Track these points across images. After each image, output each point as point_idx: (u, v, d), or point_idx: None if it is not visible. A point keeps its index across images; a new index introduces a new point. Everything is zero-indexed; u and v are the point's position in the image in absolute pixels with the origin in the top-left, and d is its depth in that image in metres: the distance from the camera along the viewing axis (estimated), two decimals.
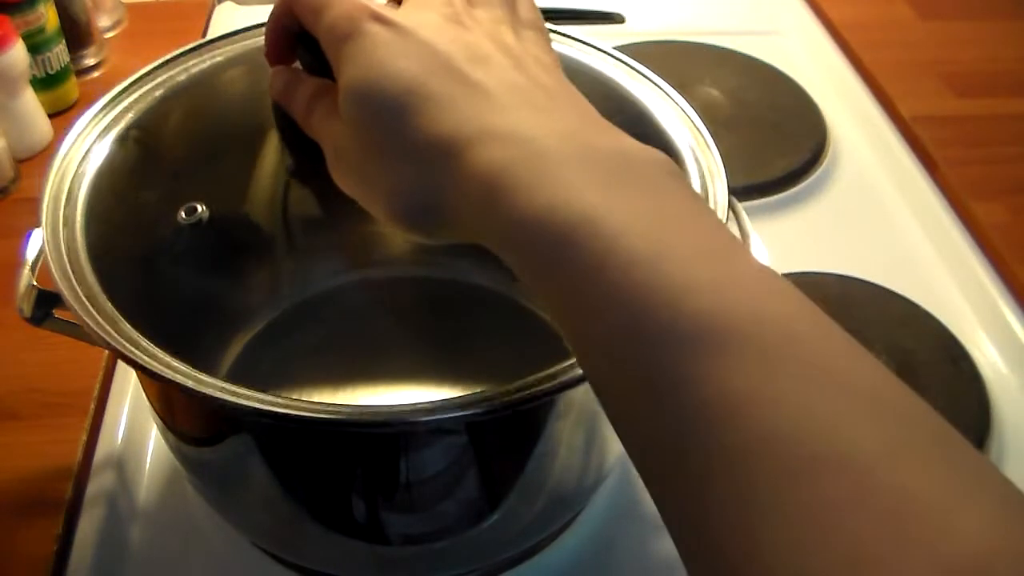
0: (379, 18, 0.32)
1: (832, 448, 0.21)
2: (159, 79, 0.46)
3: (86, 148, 0.42)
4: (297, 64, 0.39)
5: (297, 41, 0.37)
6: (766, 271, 0.26)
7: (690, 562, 0.24)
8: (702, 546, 0.23)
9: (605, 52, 0.49)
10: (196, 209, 0.44)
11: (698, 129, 0.44)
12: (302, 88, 0.36)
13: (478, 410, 0.33)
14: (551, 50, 0.35)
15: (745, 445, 0.22)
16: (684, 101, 0.46)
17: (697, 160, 0.43)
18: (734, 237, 0.27)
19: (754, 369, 0.23)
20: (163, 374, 0.33)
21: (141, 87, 0.45)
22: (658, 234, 0.26)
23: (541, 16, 0.36)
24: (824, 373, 0.23)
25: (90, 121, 0.43)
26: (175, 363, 0.34)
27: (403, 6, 0.34)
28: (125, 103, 0.45)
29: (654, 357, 0.24)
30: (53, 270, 0.36)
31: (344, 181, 0.34)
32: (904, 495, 0.20)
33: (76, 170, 0.41)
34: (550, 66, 0.33)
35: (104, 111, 0.44)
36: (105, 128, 0.44)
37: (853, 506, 0.20)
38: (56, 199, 0.40)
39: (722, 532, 0.22)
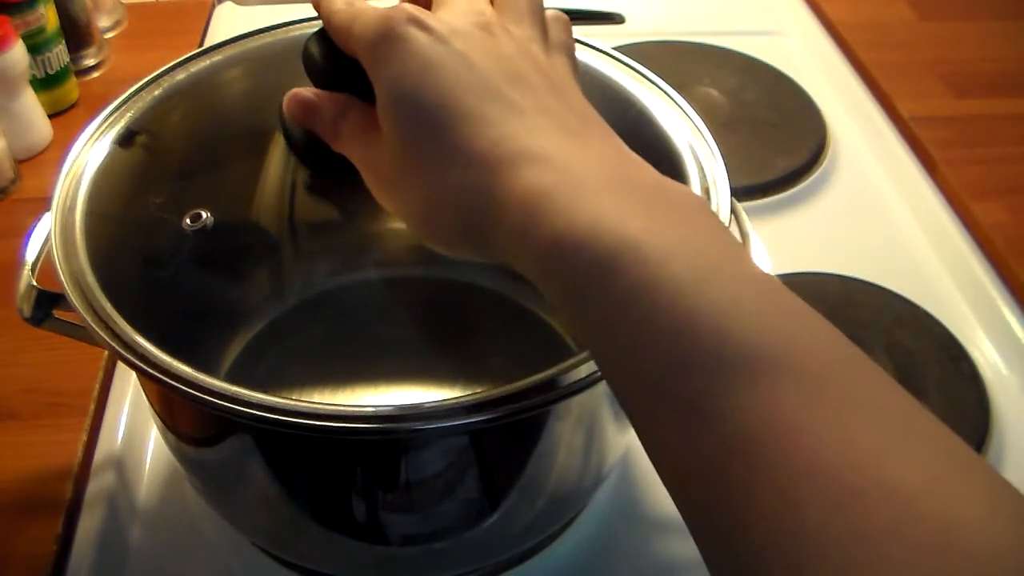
0: (416, 21, 0.31)
1: (877, 478, 0.22)
2: (164, 84, 0.46)
3: (91, 160, 0.42)
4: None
5: (311, 72, 0.37)
6: (801, 303, 0.26)
7: None
8: (742, 572, 0.23)
9: (605, 52, 0.49)
10: (201, 216, 0.44)
11: (699, 130, 0.44)
12: (326, 105, 0.35)
13: (482, 417, 0.33)
14: (577, 74, 0.34)
15: (791, 474, 0.22)
16: (684, 102, 0.46)
17: (698, 161, 0.43)
18: (766, 271, 0.27)
19: (799, 399, 0.23)
20: (164, 380, 0.33)
21: (149, 93, 0.45)
22: (700, 262, 0.26)
23: (573, 40, 0.35)
24: (862, 404, 0.23)
25: (97, 128, 0.43)
26: (175, 364, 0.34)
27: (437, 10, 0.33)
28: (132, 110, 0.45)
29: (699, 383, 0.24)
30: (63, 278, 0.36)
31: (382, 195, 0.33)
32: (948, 524, 0.21)
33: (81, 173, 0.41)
34: (578, 91, 0.33)
35: (112, 118, 0.44)
36: (108, 130, 0.44)
37: (899, 535, 0.21)
38: (65, 207, 0.40)
39: (765, 559, 0.22)
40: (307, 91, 0.36)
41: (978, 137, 0.75)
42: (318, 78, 0.37)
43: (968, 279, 0.66)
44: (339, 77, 0.35)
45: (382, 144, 0.32)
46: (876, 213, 0.73)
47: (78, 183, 0.41)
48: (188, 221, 0.44)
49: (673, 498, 0.26)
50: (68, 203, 0.40)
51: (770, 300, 0.26)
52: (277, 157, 0.49)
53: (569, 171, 0.28)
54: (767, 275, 0.27)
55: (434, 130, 0.30)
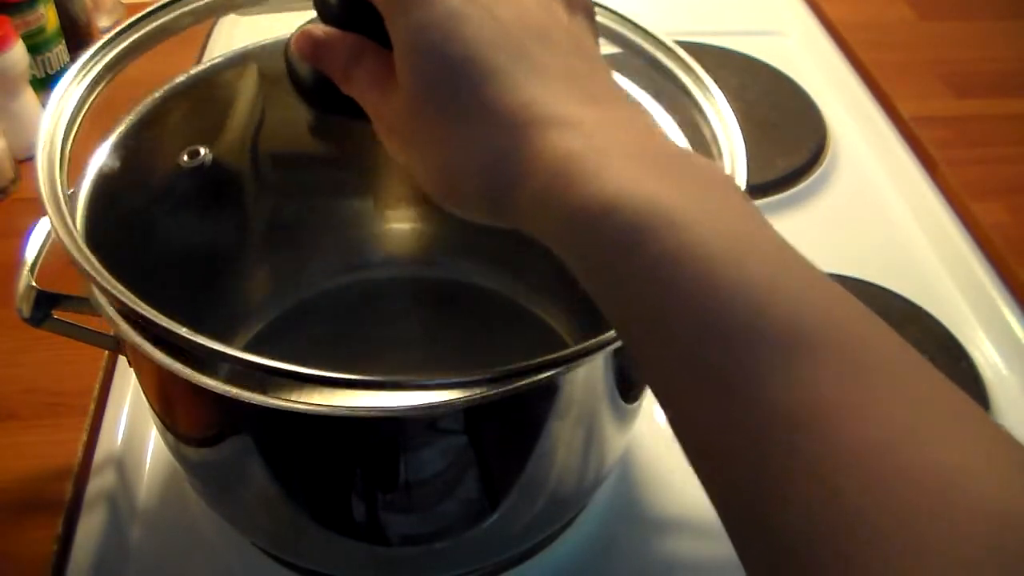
0: None
1: (922, 461, 0.21)
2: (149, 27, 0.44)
3: (79, 95, 0.41)
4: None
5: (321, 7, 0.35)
6: (829, 279, 0.26)
7: (757, 568, 0.23)
8: (776, 554, 0.23)
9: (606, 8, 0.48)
10: (199, 152, 0.43)
11: (718, 109, 0.43)
12: (340, 46, 0.34)
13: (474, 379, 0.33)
14: (596, 35, 0.33)
15: (832, 453, 0.22)
16: (700, 67, 0.45)
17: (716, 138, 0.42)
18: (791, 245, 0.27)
19: (839, 379, 0.23)
20: (181, 333, 0.32)
21: (136, 32, 0.43)
22: (733, 234, 0.25)
23: (592, 2, 0.34)
24: (900, 383, 0.23)
25: (80, 69, 0.41)
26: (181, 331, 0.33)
27: None
28: (120, 47, 0.43)
29: (734, 356, 0.24)
30: (47, 204, 0.35)
31: (395, 148, 0.32)
32: (997, 507, 0.21)
33: (72, 133, 0.39)
34: (599, 55, 0.32)
35: (101, 52, 0.42)
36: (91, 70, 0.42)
37: (947, 518, 0.20)
38: (51, 144, 0.38)
39: (806, 542, 0.22)
40: (318, 28, 0.34)
41: (978, 137, 0.75)
42: (328, 17, 0.35)
43: (968, 279, 0.66)
44: (351, 17, 0.33)
45: (398, 93, 0.31)
46: (876, 213, 0.72)
47: (82, 185, 0.41)
48: (185, 157, 0.43)
49: (698, 474, 0.25)
50: (67, 198, 0.40)
51: (803, 275, 0.25)
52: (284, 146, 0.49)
53: (598, 137, 0.28)
54: (796, 251, 0.26)
55: (457, 85, 0.29)
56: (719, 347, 0.24)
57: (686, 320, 0.24)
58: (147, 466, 0.53)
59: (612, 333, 0.34)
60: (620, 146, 0.28)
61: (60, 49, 0.74)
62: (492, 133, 0.29)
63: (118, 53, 0.43)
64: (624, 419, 0.45)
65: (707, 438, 0.25)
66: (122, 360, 0.54)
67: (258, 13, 0.48)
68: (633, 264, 0.25)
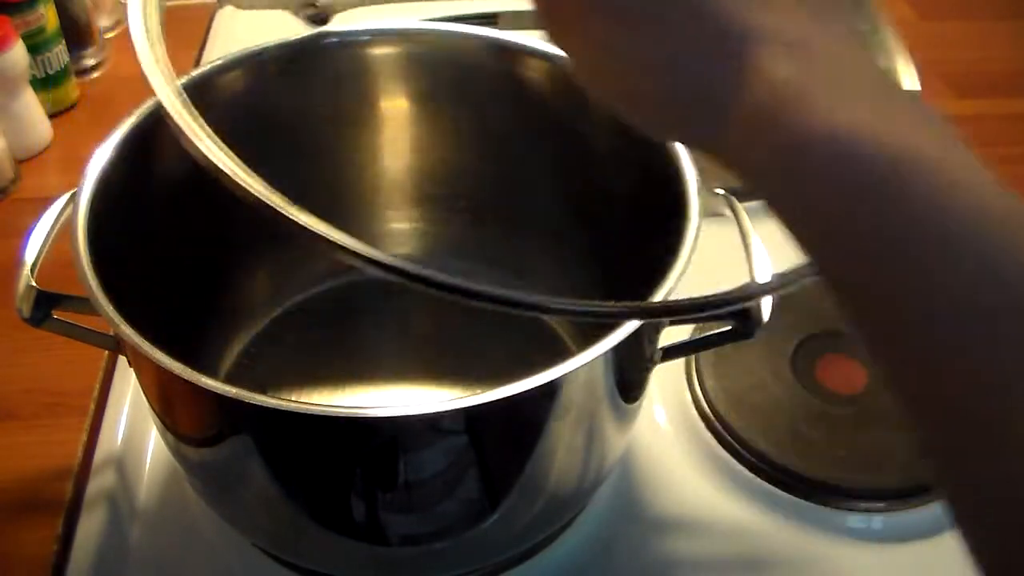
0: None
1: None
2: None
3: None
4: None
5: None
6: None
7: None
8: None
9: None
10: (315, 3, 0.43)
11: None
12: None
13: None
14: None
15: None
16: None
17: None
18: None
19: None
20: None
21: None
22: (974, 175, 0.24)
23: None
24: None
25: None
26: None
27: None
28: None
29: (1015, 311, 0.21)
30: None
31: (556, 33, 0.29)
32: None
33: None
34: None
35: None
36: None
37: None
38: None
39: None
40: None
41: (978, 137, 0.75)
42: None
43: None
44: None
45: None
46: None
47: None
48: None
49: (939, 477, 0.23)
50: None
51: None
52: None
53: (828, 64, 0.25)
54: None
55: None
56: (986, 292, 0.22)
57: (935, 257, 0.22)
58: (147, 466, 0.53)
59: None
60: (856, 80, 0.25)
61: (60, 49, 0.74)
62: (701, 37, 0.26)
63: None
64: (624, 419, 0.45)
65: (966, 421, 0.22)
66: (122, 360, 0.54)
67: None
68: (870, 201, 0.23)
